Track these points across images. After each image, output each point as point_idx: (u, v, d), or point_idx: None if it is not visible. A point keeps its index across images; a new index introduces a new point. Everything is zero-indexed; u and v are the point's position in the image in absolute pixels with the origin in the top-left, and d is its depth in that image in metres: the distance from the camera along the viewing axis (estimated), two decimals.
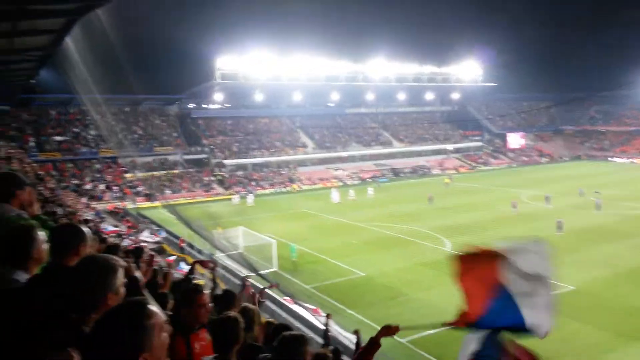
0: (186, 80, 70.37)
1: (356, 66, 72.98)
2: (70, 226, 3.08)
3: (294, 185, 56.77)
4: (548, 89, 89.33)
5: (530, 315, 2.71)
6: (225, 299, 4.58)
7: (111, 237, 19.37)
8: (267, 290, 6.42)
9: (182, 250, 27.19)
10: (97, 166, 51.75)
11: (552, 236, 28.86)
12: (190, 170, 56.45)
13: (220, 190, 53.45)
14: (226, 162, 59.15)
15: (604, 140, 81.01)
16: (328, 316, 6.27)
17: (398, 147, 72.80)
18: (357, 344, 5.86)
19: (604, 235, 28.88)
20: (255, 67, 64.42)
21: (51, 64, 27.04)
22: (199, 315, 3.57)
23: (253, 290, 6.80)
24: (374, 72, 74.28)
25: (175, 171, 55.04)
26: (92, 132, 54.87)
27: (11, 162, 19.54)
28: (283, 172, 60.76)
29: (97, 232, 13.75)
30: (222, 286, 16.30)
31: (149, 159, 55.23)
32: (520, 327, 2.72)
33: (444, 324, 3.11)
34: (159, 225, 33.95)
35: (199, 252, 25.91)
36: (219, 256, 24.32)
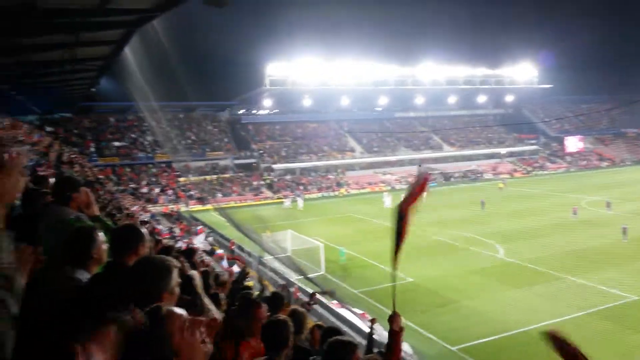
0: (237, 87, 72.22)
1: (405, 70, 72.18)
2: (129, 227, 3.17)
3: (342, 190, 56.74)
4: (608, 90, 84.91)
5: None
6: (274, 302, 4.62)
7: (165, 239, 20.04)
8: (317, 296, 6.40)
9: (232, 252, 27.75)
10: (153, 170, 53.85)
11: (617, 243, 27.39)
12: (240, 174, 57.67)
13: (269, 194, 54.25)
14: (275, 166, 60.00)
15: None
16: (372, 321, 6.17)
17: (449, 151, 71.31)
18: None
19: None
20: (303, 73, 65.08)
21: (110, 73, 28.41)
22: (254, 329, 3.51)
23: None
24: (424, 76, 73.20)
25: (226, 175, 56.41)
26: (149, 138, 57.16)
27: (73, 166, 20.62)
28: (331, 176, 60.92)
29: (153, 233, 14.26)
30: (270, 289, 16.51)
31: (202, 163, 56.90)
32: None
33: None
34: (210, 228, 34.84)
35: (249, 254, 26.35)
36: (267, 259, 24.64)
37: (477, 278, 22.86)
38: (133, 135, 57.81)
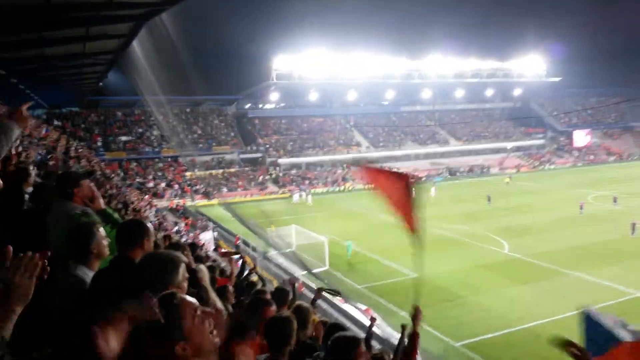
0: (244, 81, 72.21)
1: (412, 63, 71.81)
2: (135, 221, 3.20)
3: (348, 184, 56.74)
4: (618, 83, 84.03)
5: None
6: (278, 297, 4.64)
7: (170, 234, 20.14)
8: (323, 293, 6.42)
9: (237, 247, 27.87)
10: (159, 165, 54.06)
11: (625, 238, 27.23)
12: (246, 168, 57.78)
13: (274, 188, 54.32)
14: (281, 160, 60.04)
15: None
16: (372, 320, 6.18)
17: (455, 145, 71.02)
18: (401, 339, 5.75)
19: None
20: (309, 67, 64.95)
21: (117, 67, 28.48)
22: (260, 326, 3.50)
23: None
24: (431, 69, 72.81)
25: (231, 170, 56.53)
26: (155, 133, 57.34)
27: (80, 161, 20.77)
28: (337, 171, 60.89)
29: (159, 228, 14.36)
30: (275, 284, 16.58)
31: (208, 157, 57.05)
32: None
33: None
34: (215, 223, 34.97)
35: (254, 249, 26.44)
36: (272, 254, 24.72)
37: (483, 273, 22.83)
38: (140, 130, 58.01)
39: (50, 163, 12.27)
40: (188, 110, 64.08)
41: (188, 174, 53.35)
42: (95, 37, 15.02)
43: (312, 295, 6.27)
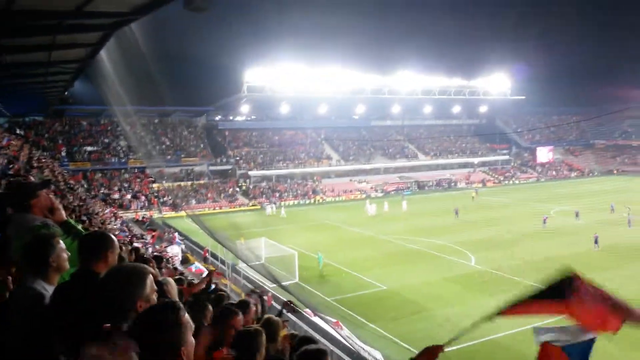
0: (215, 92, 71.51)
1: (383, 79, 72.85)
2: (98, 233, 3.10)
3: (317, 197, 56.84)
4: (579, 102, 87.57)
5: None
6: (240, 309, 4.58)
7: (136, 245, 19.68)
8: (291, 305, 6.35)
9: (205, 260, 27.43)
10: (126, 176, 52.91)
11: (588, 252, 28.05)
12: (216, 181, 57.18)
13: (244, 200, 53.91)
14: (251, 173, 59.72)
15: (638, 155, 78.75)
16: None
17: (423, 160, 72.28)
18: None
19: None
20: (281, 80, 65.06)
21: (84, 76, 27.85)
22: (227, 336, 3.48)
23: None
24: (401, 85, 74.03)
25: (201, 182, 55.85)
26: (122, 143, 56.19)
27: (43, 171, 20.14)
28: (307, 183, 60.96)
29: (127, 242, 14.02)
30: (243, 296, 16.34)
31: (176, 169, 56.23)
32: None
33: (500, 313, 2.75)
34: (183, 235, 34.36)
35: (222, 262, 26.09)
36: (242, 266, 24.43)
37: (450, 286, 23.14)
38: (106, 140, 56.74)
39: (11, 172, 11.86)
40: (156, 121, 63.15)
41: (155, 185, 52.39)
42: (62, 46, 14.67)
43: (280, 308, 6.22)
